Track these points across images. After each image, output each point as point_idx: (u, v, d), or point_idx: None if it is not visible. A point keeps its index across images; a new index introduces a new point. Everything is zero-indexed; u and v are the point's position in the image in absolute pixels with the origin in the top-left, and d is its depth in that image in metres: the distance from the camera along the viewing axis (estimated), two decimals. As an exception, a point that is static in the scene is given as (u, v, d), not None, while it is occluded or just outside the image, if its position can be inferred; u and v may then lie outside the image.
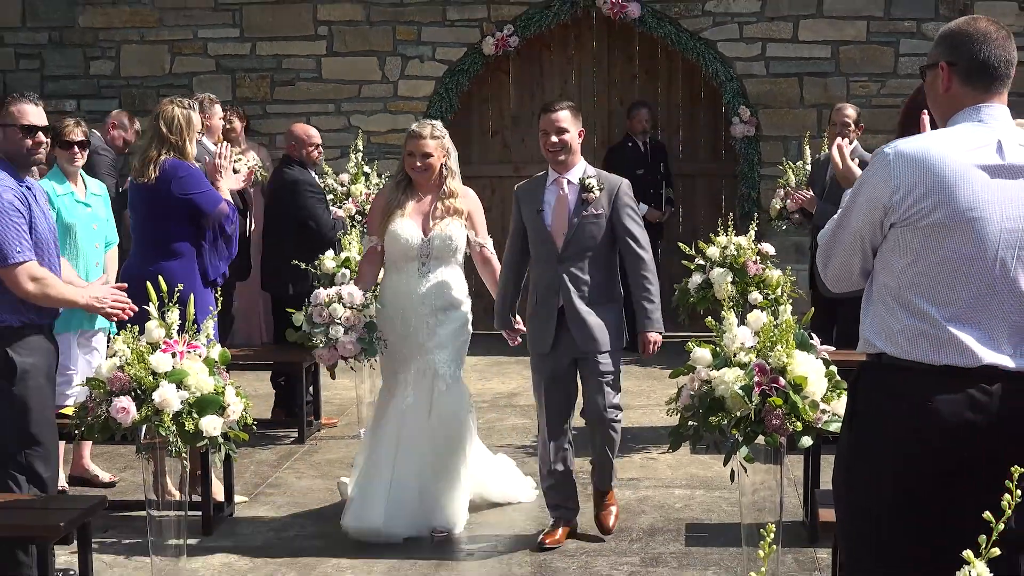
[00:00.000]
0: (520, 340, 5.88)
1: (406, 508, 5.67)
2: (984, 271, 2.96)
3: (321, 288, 6.05)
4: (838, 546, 3.57)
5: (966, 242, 2.95)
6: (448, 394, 5.79)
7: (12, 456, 4.91)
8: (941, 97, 3.15)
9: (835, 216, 3.27)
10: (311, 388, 7.87)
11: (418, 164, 5.75)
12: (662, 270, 10.87)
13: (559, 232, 5.49)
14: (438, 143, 5.81)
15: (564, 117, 5.49)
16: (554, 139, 5.47)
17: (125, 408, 4.31)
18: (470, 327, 5.97)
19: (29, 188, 4.93)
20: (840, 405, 4.23)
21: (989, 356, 2.91)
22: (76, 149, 6.20)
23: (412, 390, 5.77)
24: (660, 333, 5.48)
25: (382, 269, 6.06)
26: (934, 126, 3.30)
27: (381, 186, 8.67)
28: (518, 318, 5.84)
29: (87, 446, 6.67)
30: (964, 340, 2.92)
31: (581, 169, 5.55)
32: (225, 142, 7.01)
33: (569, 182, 5.51)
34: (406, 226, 5.75)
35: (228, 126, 8.30)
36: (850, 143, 7.83)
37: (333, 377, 6.62)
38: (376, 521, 5.62)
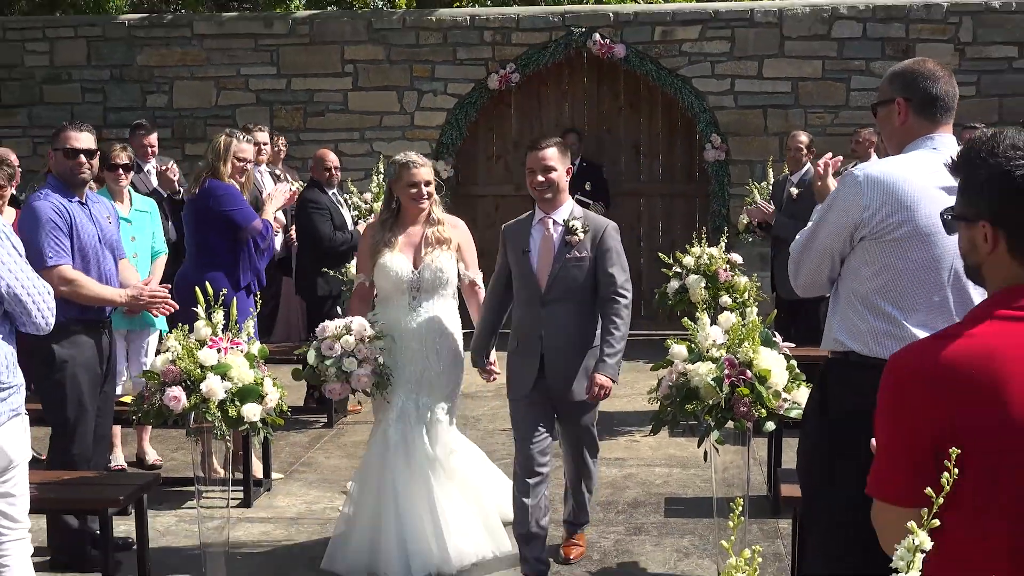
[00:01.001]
0: (495, 379, 5.06)
1: (390, 554, 4.82)
2: (940, 279, 2.96)
3: (327, 320, 4.95)
4: (810, 539, 3.35)
5: (926, 254, 2.95)
6: (434, 438, 4.93)
7: (52, 435, 4.98)
8: (897, 129, 3.13)
9: (806, 229, 3.25)
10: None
11: (425, 192, 4.97)
12: (645, 278, 10.93)
13: (543, 274, 4.69)
14: (430, 169, 5.07)
15: (551, 155, 4.69)
16: (540, 178, 4.68)
17: (176, 397, 4.30)
18: (462, 364, 5.11)
19: (83, 204, 4.94)
20: (799, 395, 4.22)
21: None
22: (120, 171, 6.21)
23: (398, 428, 4.92)
24: (612, 380, 4.60)
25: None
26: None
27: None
28: (493, 358, 5.02)
29: (147, 430, 6.68)
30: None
31: (568, 209, 4.74)
32: (274, 181, 7.57)
33: (555, 222, 4.71)
34: (396, 260, 4.95)
35: (277, 149, 8.85)
36: (800, 167, 7.92)
37: (344, 415, 6.10)
38: (358, 564, 4.87)
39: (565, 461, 5.02)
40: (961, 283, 2.96)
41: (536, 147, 4.75)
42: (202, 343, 4.43)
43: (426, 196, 4.99)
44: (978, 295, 2.99)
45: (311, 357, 4.79)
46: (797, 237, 3.28)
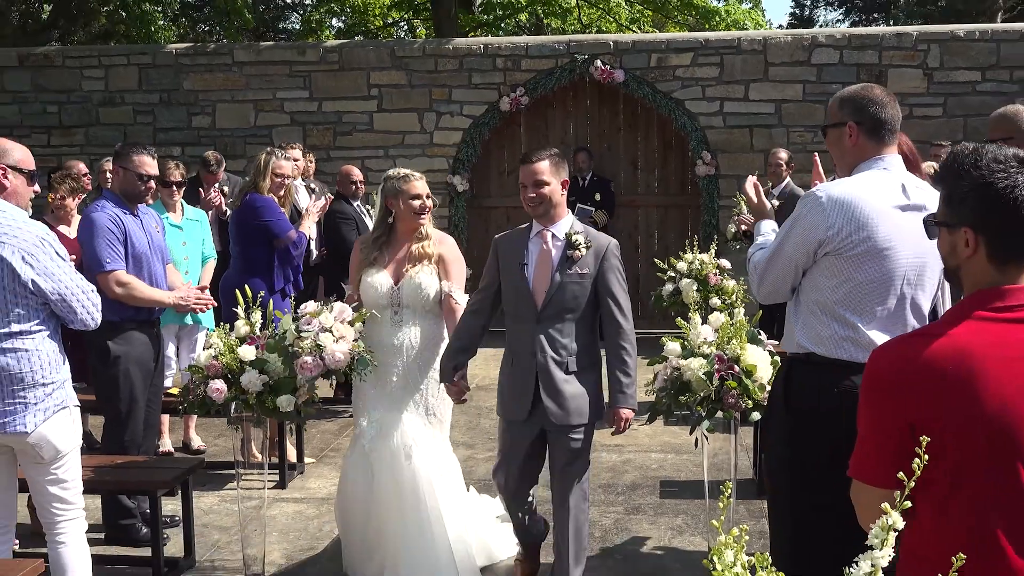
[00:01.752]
0: (465, 399, 4.28)
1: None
2: (895, 289, 2.96)
3: (312, 301, 4.52)
4: (777, 528, 3.17)
5: (882, 268, 2.94)
6: (414, 462, 4.40)
7: (106, 424, 4.99)
8: (849, 150, 3.09)
9: (768, 243, 3.22)
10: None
11: (427, 204, 4.55)
12: (642, 282, 10.92)
13: (540, 290, 4.01)
14: (425, 183, 4.62)
15: (543, 168, 4.00)
16: (531, 193, 4.01)
17: (219, 389, 4.31)
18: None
19: (136, 216, 4.98)
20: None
21: None
22: (174, 188, 6.25)
23: (380, 445, 4.46)
24: (633, 410, 4.10)
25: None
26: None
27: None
28: (464, 374, 4.24)
29: (192, 419, 6.69)
30: (879, 342, 2.89)
31: (568, 223, 4.08)
32: (309, 193, 7.68)
33: (554, 236, 4.04)
34: (378, 277, 4.51)
35: (306, 164, 8.71)
36: (781, 181, 7.92)
37: (316, 401, 4.91)
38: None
39: (554, 507, 4.16)
40: (912, 292, 2.98)
41: (528, 160, 4.06)
42: (242, 340, 4.43)
43: (428, 208, 4.57)
44: (927, 302, 3.00)
45: (289, 329, 4.30)
46: (752, 250, 3.25)
